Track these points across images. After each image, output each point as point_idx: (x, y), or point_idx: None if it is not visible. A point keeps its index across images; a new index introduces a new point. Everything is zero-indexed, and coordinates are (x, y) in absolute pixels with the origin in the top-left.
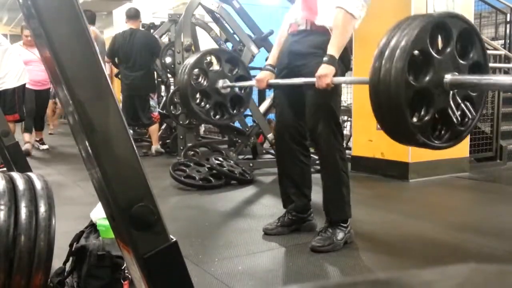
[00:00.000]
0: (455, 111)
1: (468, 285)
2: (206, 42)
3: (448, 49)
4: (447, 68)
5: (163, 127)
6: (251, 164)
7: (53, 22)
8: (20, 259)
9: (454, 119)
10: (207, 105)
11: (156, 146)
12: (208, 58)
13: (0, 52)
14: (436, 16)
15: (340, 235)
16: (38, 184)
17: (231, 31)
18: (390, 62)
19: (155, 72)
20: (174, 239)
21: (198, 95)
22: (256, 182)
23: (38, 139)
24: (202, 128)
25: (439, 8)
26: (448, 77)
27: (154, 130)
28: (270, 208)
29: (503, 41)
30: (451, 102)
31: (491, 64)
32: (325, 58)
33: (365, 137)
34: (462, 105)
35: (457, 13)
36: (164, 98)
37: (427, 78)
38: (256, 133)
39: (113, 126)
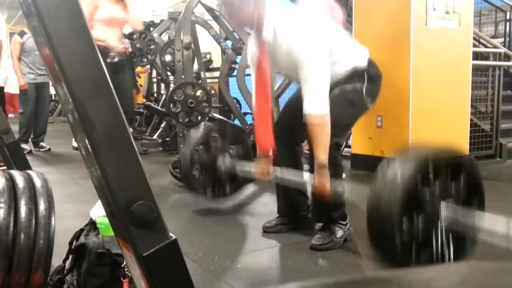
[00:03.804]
0: (443, 245)
1: (469, 282)
2: (206, 40)
3: (449, 182)
4: (444, 198)
5: (162, 125)
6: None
7: (53, 20)
8: (20, 257)
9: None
10: (204, 179)
11: None
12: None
13: None
14: (452, 152)
15: (339, 233)
16: (38, 182)
17: (231, 29)
18: (390, 192)
19: None
20: (174, 237)
21: (197, 166)
22: (256, 181)
23: None
24: (201, 126)
25: (438, 7)
26: (444, 210)
27: None
28: (269, 206)
29: (503, 39)
30: (441, 236)
31: (491, 62)
32: (315, 165)
33: (365, 135)
34: (451, 245)
35: (471, 160)
36: (164, 96)
37: (425, 206)
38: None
39: (112, 124)
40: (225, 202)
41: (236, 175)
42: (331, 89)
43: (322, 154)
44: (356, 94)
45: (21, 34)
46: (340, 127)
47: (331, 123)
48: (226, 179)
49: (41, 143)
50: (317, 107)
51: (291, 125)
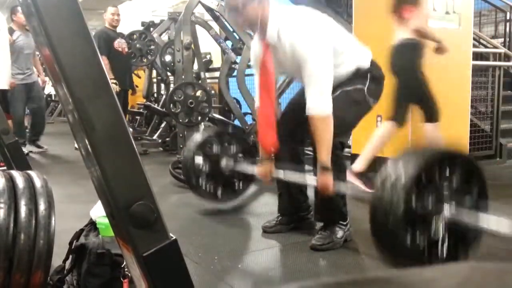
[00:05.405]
0: (445, 243)
1: (468, 283)
2: (205, 40)
3: (451, 182)
4: (447, 200)
5: (162, 125)
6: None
7: (53, 20)
8: (20, 257)
9: (442, 251)
10: (213, 187)
11: None
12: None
13: None
14: (443, 149)
15: (339, 233)
16: (38, 182)
17: (231, 29)
18: (394, 187)
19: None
20: (174, 237)
21: (204, 178)
22: (256, 181)
23: None
24: (201, 127)
25: (439, 7)
26: (447, 210)
27: None
28: (270, 206)
29: (503, 39)
30: (446, 234)
31: (491, 63)
32: (318, 166)
33: (365, 135)
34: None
35: (465, 153)
36: (164, 96)
37: (428, 206)
38: (255, 131)
39: (113, 124)
40: (237, 201)
41: (243, 173)
42: (334, 90)
43: (325, 155)
44: (359, 93)
45: (10, 31)
46: (345, 126)
47: (335, 123)
48: (233, 179)
49: (38, 142)
50: (320, 108)
51: (294, 124)
